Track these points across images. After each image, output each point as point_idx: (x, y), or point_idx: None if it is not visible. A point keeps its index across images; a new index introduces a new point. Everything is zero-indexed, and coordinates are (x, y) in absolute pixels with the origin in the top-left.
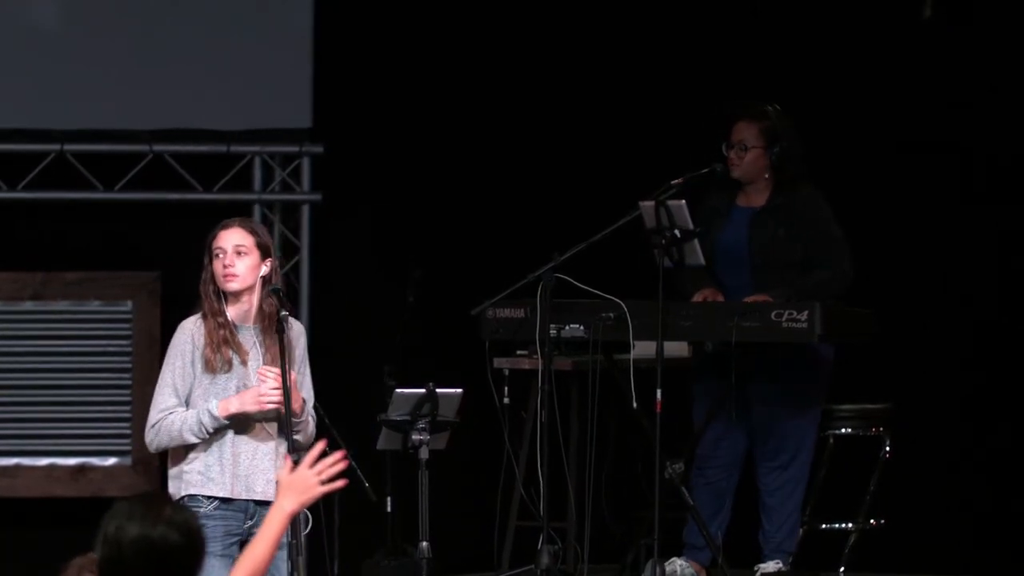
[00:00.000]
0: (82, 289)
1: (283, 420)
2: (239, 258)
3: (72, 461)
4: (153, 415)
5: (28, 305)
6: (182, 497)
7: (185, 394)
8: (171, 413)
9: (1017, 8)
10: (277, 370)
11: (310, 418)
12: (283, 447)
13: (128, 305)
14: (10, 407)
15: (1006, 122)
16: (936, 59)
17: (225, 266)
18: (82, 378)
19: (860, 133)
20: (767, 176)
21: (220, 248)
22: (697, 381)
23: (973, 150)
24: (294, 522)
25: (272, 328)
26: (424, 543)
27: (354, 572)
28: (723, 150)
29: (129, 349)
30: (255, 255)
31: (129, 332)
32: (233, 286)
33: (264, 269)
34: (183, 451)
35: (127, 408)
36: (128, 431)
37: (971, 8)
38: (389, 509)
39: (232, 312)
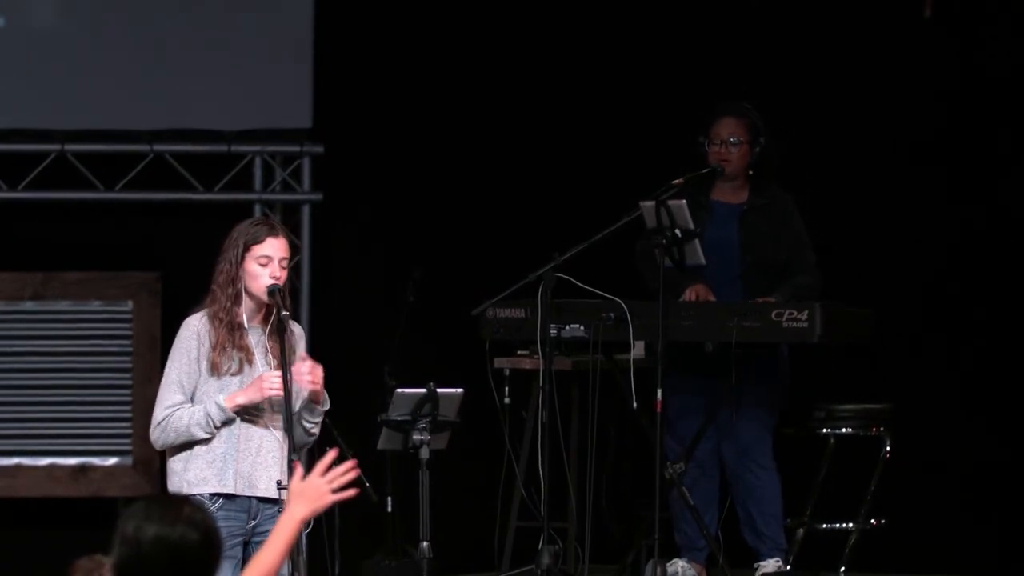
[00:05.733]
0: (82, 289)
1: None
2: (283, 269)
3: (72, 461)
4: (159, 412)
5: (28, 305)
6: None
7: (190, 391)
8: (177, 409)
9: (1017, 8)
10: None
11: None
12: (279, 444)
13: (128, 305)
14: (10, 407)
15: (1005, 122)
16: (936, 59)
17: (273, 277)
18: (82, 378)
19: (859, 133)
20: (749, 173)
21: (267, 257)
22: (682, 379)
23: (973, 149)
24: None
25: (275, 328)
26: (424, 543)
27: (354, 572)
28: (704, 146)
29: (129, 349)
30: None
31: (129, 332)
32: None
33: None
34: (184, 449)
35: (127, 408)
36: (128, 431)
37: (971, 8)
38: (389, 509)
39: (247, 311)
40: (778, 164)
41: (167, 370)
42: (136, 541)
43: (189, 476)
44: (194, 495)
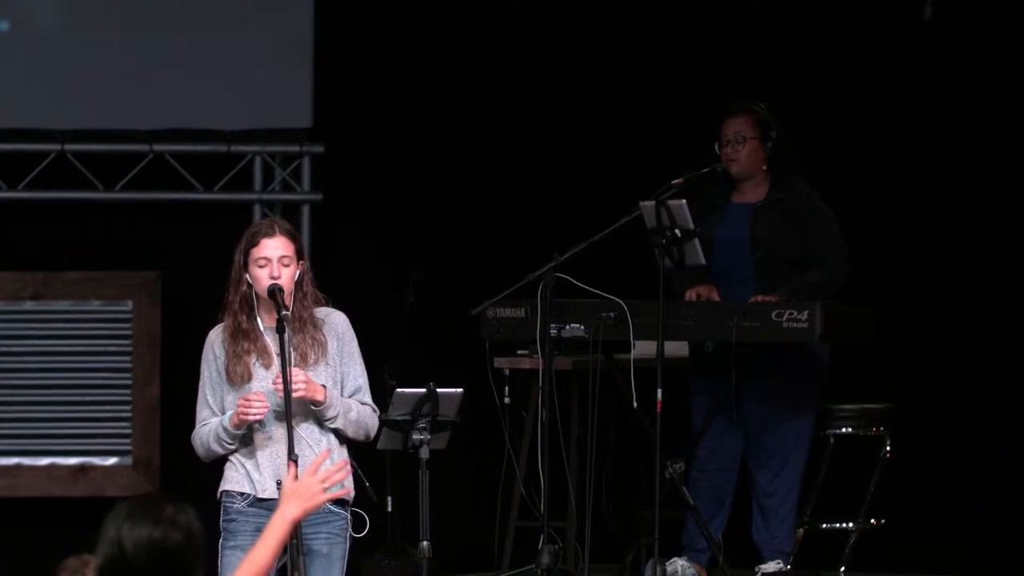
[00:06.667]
0: (82, 289)
1: (317, 417)
2: (284, 268)
3: (72, 461)
4: (195, 428)
5: (29, 305)
6: (221, 493)
7: (218, 404)
8: (204, 425)
9: (1017, 8)
10: (262, 394)
11: (358, 407)
12: (319, 446)
13: (128, 305)
14: (10, 407)
15: (1005, 122)
16: (936, 59)
17: (272, 277)
18: (82, 378)
19: (859, 132)
20: (764, 169)
21: (264, 258)
22: (696, 380)
23: (973, 150)
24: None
25: (304, 327)
26: (424, 543)
27: (354, 572)
28: (716, 149)
29: (129, 349)
30: (295, 262)
31: (129, 332)
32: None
33: (297, 273)
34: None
35: (127, 408)
36: (128, 431)
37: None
38: (389, 509)
39: (262, 314)
40: (793, 158)
41: (198, 386)
42: (119, 541)
43: (226, 475)
44: (227, 492)
